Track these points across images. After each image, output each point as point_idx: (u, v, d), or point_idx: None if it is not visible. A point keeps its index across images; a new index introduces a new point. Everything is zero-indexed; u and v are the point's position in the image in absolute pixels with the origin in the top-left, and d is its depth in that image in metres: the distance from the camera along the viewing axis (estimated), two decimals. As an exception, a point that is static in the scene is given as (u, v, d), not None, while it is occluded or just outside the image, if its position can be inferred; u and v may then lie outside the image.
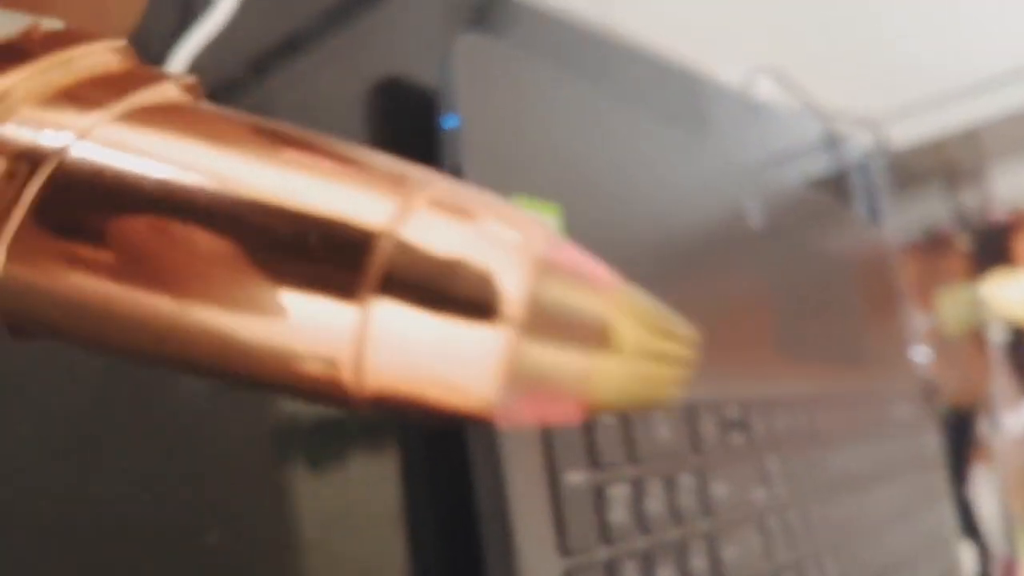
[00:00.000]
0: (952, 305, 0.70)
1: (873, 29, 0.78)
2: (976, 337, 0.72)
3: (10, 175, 0.08)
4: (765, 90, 0.65)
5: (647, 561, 0.26)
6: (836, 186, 0.63)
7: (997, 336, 0.72)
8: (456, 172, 0.25)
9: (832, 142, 0.64)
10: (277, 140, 0.08)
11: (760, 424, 0.35)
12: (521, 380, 0.07)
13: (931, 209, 0.80)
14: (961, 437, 0.62)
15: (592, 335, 0.08)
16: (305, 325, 0.07)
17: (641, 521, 0.27)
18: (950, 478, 0.58)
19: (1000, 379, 0.68)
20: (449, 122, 0.25)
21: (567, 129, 0.29)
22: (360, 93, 0.26)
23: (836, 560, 0.38)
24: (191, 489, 0.20)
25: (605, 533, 0.25)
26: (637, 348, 0.08)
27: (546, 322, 0.07)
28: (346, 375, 0.07)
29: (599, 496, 0.25)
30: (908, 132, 0.71)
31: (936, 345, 0.65)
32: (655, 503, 0.27)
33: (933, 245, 0.75)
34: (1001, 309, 0.72)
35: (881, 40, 0.76)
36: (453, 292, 0.07)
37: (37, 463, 0.17)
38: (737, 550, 0.31)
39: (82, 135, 0.08)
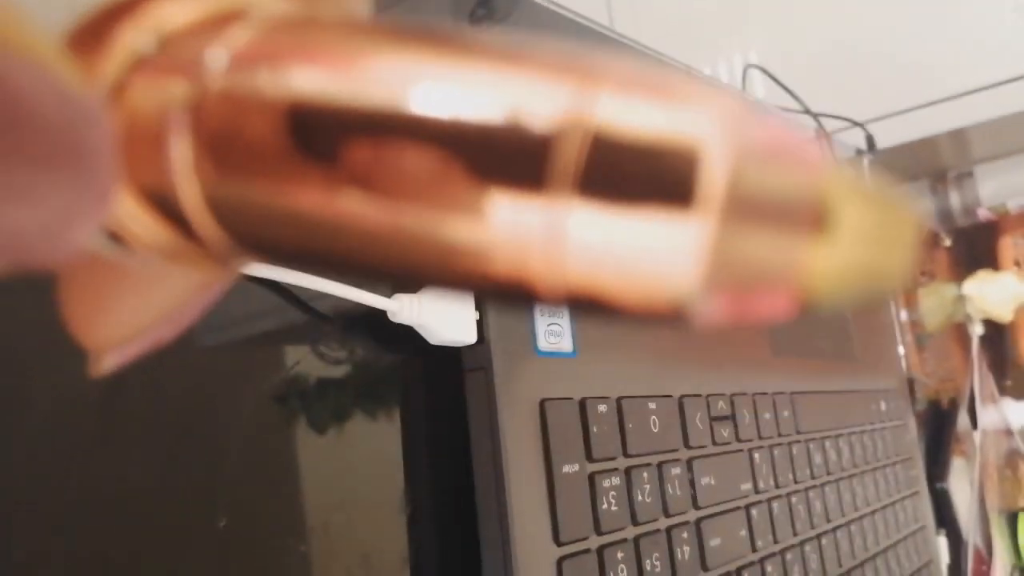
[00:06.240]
0: (934, 302, 0.71)
1: (864, 33, 0.78)
2: (956, 333, 0.74)
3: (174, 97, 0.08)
4: (758, 89, 0.66)
5: (637, 549, 0.27)
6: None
7: (976, 333, 0.74)
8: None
9: (821, 141, 0.65)
10: (433, 41, 0.08)
11: (747, 418, 0.36)
12: (726, 273, 0.07)
13: (917, 208, 0.81)
14: (940, 431, 0.64)
15: (805, 219, 0.07)
16: (500, 224, 0.07)
17: (632, 511, 0.27)
18: (928, 471, 0.59)
19: (978, 375, 0.70)
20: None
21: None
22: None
23: (817, 550, 0.40)
24: (201, 478, 0.20)
25: (598, 523, 0.26)
26: (856, 233, 0.07)
27: (753, 207, 0.07)
28: (537, 273, 0.07)
29: (593, 487, 0.26)
30: (895, 132, 0.72)
31: (917, 341, 0.66)
32: (645, 494, 0.28)
33: (917, 243, 0.76)
34: (982, 307, 0.73)
35: (871, 43, 0.77)
36: (649, 181, 0.07)
37: (49, 451, 0.18)
38: (722, 539, 0.32)
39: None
